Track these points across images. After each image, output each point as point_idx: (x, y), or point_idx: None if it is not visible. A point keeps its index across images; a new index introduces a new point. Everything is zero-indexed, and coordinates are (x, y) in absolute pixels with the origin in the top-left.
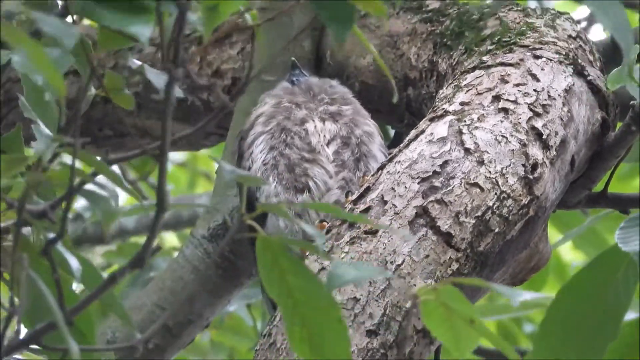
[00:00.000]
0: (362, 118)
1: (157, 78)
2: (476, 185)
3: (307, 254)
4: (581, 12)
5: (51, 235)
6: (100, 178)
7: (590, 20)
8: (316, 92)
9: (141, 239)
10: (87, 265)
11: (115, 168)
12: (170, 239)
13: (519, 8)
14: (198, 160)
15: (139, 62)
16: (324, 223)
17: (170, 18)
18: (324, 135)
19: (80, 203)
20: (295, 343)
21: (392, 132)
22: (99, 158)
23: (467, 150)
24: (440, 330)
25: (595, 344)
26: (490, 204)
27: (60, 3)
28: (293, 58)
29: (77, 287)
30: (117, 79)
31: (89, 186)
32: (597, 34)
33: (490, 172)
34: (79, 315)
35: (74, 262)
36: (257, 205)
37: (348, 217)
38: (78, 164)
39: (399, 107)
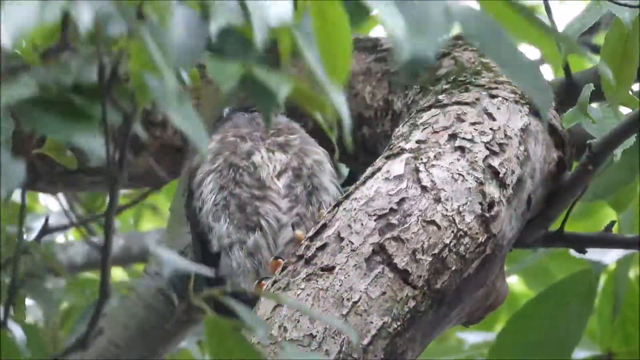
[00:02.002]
0: (311, 146)
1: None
2: (433, 222)
3: (263, 288)
4: (534, 52)
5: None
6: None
7: (543, 60)
8: (260, 122)
9: (92, 274)
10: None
11: (64, 203)
12: (118, 274)
13: (473, 48)
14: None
15: None
16: (279, 260)
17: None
18: (274, 167)
19: None
20: None
21: (346, 171)
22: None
23: (423, 188)
24: None
25: None
26: (447, 241)
27: None
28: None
29: None
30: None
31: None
32: (547, 73)
33: (447, 210)
34: None
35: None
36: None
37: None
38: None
39: (354, 146)
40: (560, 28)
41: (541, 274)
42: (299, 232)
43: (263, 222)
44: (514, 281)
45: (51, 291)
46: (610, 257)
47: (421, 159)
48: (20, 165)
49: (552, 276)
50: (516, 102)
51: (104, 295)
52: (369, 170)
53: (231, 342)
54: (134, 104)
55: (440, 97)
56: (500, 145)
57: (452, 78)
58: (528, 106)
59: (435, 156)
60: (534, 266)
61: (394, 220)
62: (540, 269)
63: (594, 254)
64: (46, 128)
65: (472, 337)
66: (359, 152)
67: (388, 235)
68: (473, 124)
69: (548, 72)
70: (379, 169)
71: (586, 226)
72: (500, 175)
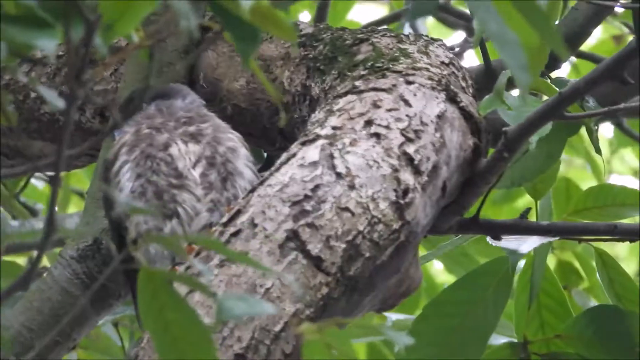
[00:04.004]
0: (223, 134)
1: (50, 95)
2: (347, 209)
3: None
4: (455, 38)
5: None
6: None
7: (464, 46)
8: (172, 111)
9: (15, 258)
10: None
11: None
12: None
13: (392, 34)
14: (70, 178)
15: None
16: (193, 246)
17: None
18: (189, 158)
19: None
20: None
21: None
22: None
23: (338, 175)
24: None
25: None
26: (361, 228)
27: None
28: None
29: None
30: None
31: None
32: (471, 60)
33: (361, 196)
34: None
35: None
36: (142, 237)
37: (211, 246)
38: None
39: (272, 131)
40: None
41: (464, 261)
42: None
43: (180, 210)
44: (439, 268)
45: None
46: (527, 246)
47: (336, 146)
48: None
49: (476, 263)
50: (433, 88)
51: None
52: (284, 156)
53: (164, 295)
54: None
55: (357, 83)
56: (416, 132)
57: (369, 64)
58: (445, 93)
59: (350, 143)
60: (457, 253)
61: (308, 207)
62: (463, 256)
63: (512, 241)
64: (11, 33)
65: (395, 316)
66: (276, 137)
67: (302, 222)
68: (389, 110)
69: (471, 59)
70: (294, 155)
71: (511, 210)
72: (416, 162)
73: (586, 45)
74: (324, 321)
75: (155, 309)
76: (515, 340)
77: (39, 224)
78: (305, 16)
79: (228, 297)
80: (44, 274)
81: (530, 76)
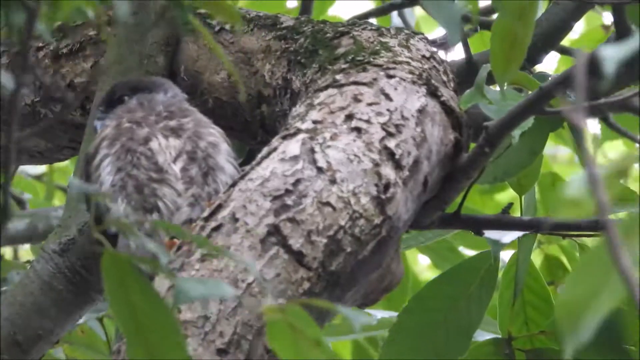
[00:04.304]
0: (204, 128)
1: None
2: (328, 204)
3: None
4: (437, 32)
5: None
6: None
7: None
8: (153, 105)
9: None
10: None
11: None
12: (25, 252)
13: (373, 27)
14: (55, 173)
15: None
16: (175, 240)
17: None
18: (170, 153)
19: None
20: None
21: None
22: None
23: (319, 169)
24: (286, 352)
25: (444, 356)
26: (343, 223)
27: None
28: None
29: None
30: None
31: None
32: (453, 54)
33: (342, 191)
34: None
35: None
36: (105, 221)
37: (195, 240)
38: None
39: (253, 124)
40: None
41: (451, 256)
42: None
43: (160, 204)
44: (426, 263)
45: None
46: (509, 237)
47: (317, 140)
48: None
49: (462, 258)
50: (414, 82)
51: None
52: (265, 150)
53: (128, 278)
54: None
55: (337, 76)
56: (396, 126)
57: (350, 57)
58: (425, 87)
59: (331, 137)
60: (444, 248)
61: (289, 201)
62: (450, 251)
63: (494, 234)
64: None
65: (380, 314)
66: (258, 130)
67: (283, 217)
68: (370, 104)
69: (454, 53)
70: (275, 149)
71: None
72: (397, 156)
73: (576, 33)
74: (288, 302)
75: (121, 295)
76: (500, 337)
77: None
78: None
79: (186, 280)
80: (27, 268)
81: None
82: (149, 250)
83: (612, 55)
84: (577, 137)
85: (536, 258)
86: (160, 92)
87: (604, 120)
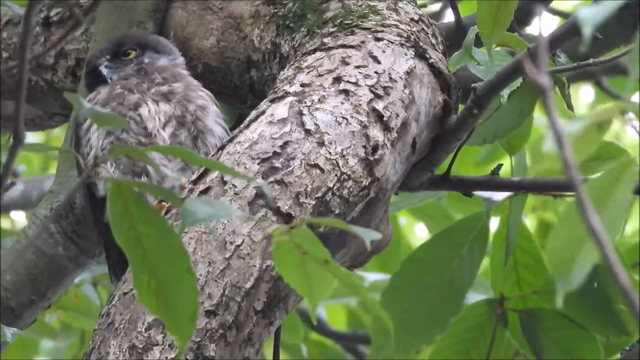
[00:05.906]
0: (194, 92)
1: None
2: (316, 166)
3: None
4: None
5: None
6: None
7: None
8: (148, 71)
9: None
10: None
11: None
12: (20, 219)
13: None
14: (51, 142)
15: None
16: (163, 204)
17: None
18: (159, 119)
19: None
20: (142, 293)
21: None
22: None
23: (307, 132)
24: (293, 276)
25: (437, 317)
26: (331, 185)
27: None
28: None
29: None
30: None
31: None
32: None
33: (330, 153)
34: None
35: None
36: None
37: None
38: None
39: (242, 89)
40: None
41: (446, 223)
42: (183, 179)
43: (149, 168)
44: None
45: None
46: (500, 195)
47: (305, 103)
48: None
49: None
50: (402, 45)
51: None
52: (253, 113)
53: (133, 206)
54: None
55: (325, 40)
56: (384, 88)
57: (338, 21)
58: (414, 49)
59: (319, 99)
60: (439, 215)
61: (277, 164)
62: (445, 217)
63: (485, 195)
64: None
65: (373, 276)
66: (247, 95)
67: (271, 179)
68: (358, 67)
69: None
70: (263, 112)
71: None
72: (385, 118)
73: None
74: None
75: (126, 223)
76: (492, 297)
77: (19, 185)
78: None
79: (193, 201)
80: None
81: None
82: (164, 174)
83: (590, 16)
84: (542, 97)
85: (530, 223)
86: (165, 54)
87: (598, 84)
